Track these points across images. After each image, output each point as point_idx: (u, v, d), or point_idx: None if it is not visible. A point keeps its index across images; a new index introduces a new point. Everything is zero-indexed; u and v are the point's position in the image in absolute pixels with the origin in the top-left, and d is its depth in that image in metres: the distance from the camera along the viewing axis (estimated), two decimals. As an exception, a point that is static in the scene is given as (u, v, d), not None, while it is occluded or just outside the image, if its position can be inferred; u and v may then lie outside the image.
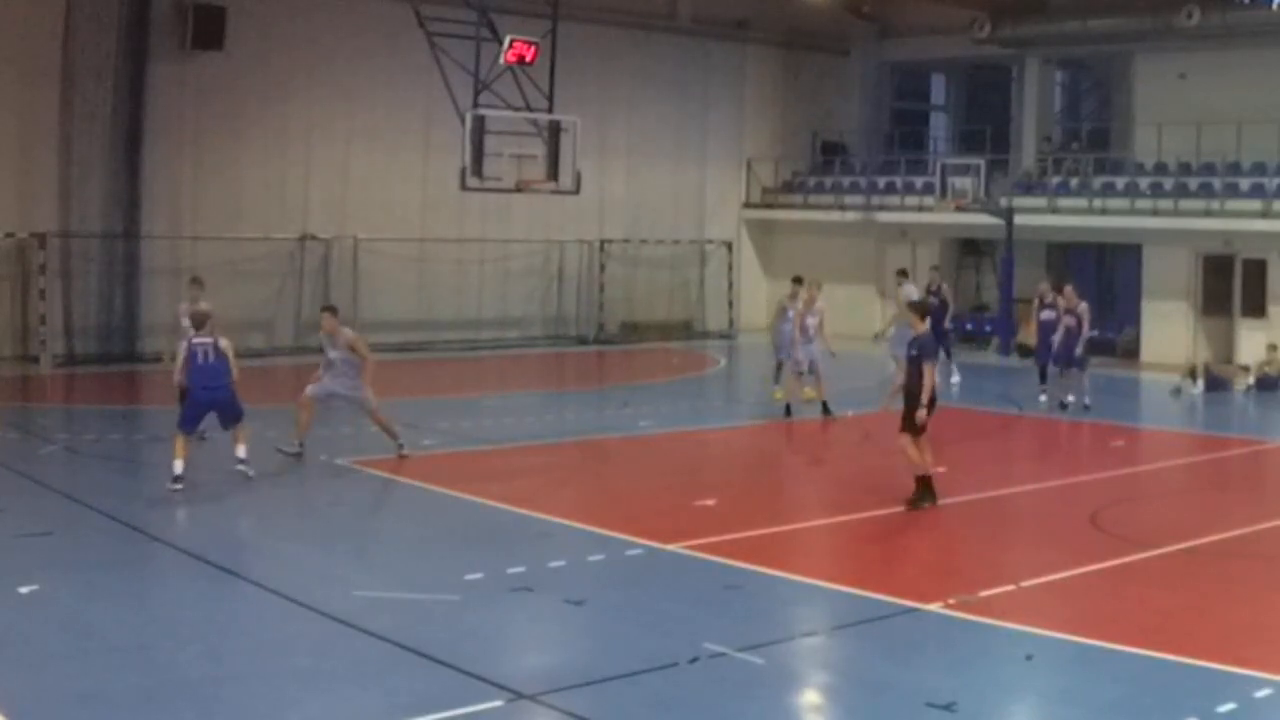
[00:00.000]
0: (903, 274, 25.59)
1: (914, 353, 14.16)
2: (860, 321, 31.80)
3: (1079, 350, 21.29)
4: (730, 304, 34.93)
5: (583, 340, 32.22)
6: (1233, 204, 27.63)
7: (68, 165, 25.47)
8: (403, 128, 29.06)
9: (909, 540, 13.39)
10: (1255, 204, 27.35)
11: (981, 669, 9.33)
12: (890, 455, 14.72)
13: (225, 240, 27.03)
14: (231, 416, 14.70)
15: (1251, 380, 25.03)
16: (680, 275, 34.49)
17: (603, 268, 32.80)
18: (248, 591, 10.92)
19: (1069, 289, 21.80)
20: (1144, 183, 29.40)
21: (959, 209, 30.25)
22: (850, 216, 33.73)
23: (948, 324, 25.06)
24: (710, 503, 14.43)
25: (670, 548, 12.27)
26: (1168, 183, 28.92)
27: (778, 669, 9.21)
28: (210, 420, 15.00)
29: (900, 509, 13.86)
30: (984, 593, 10.80)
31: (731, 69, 35.09)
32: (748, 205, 35.92)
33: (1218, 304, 28.41)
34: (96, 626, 9.89)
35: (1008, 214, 30.44)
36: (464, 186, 21.13)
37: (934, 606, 10.43)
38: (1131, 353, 29.27)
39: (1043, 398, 22.04)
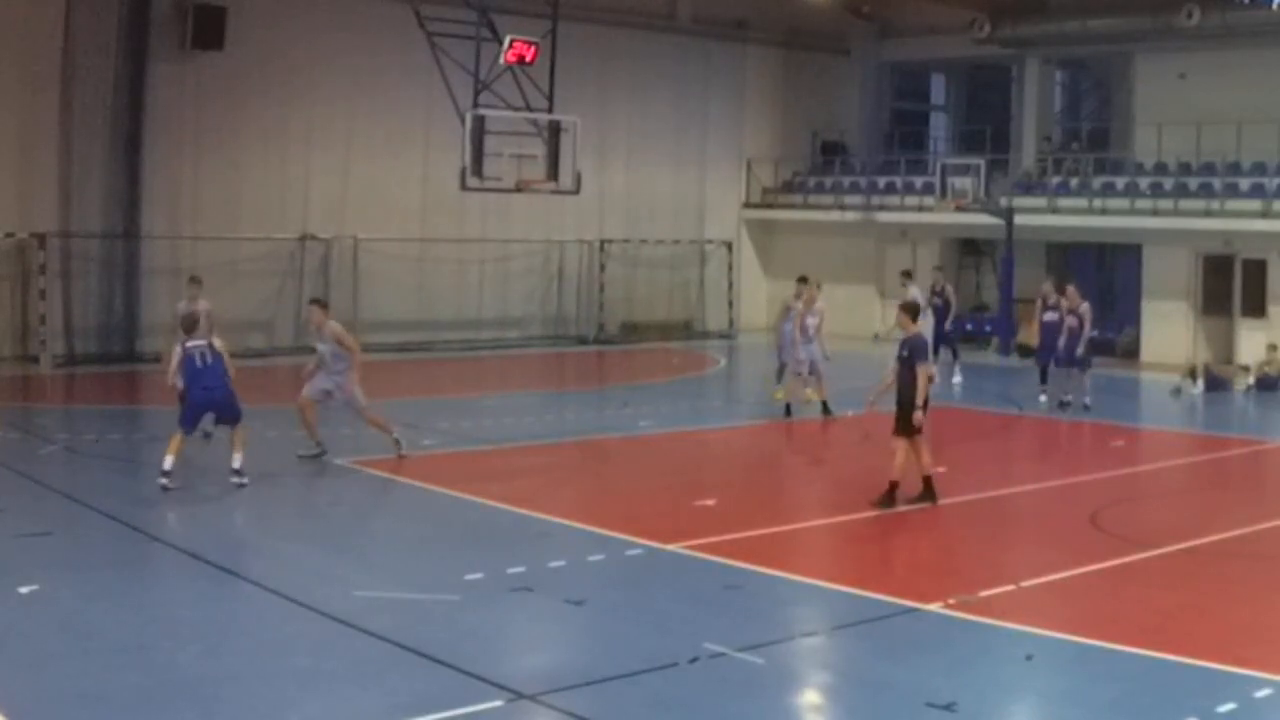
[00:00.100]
0: (907, 275, 25.60)
1: (905, 354, 14.12)
2: (860, 321, 31.87)
3: (1080, 350, 21.31)
4: (730, 304, 34.93)
5: (583, 340, 32.22)
6: (1233, 204, 27.63)
7: (68, 165, 25.47)
8: (403, 128, 29.06)
9: (909, 540, 13.39)
10: (1255, 204, 27.36)
11: (981, 669, 9.33)
12: (890, 455, 14.70)
13: (225, 240, 27.04)
14: (230, 417, 14.69)
15: (1251, 380, 25.04)
16: (680, 275, 34.50)
17: (603, 268, 32.81)
18: (247, 591, 10.92)
19: (1071, 289, 21.79)
20: (1144, 183, 29.41)
21: (959, 209, 30.26)
22: (850, 216, 33.73)
23: (947, 325, 25.02)
24: (710, 503, 14.44)
25: (670, 548, 12.27)
26: (1168, 183, 28.92)
27: (778, 669, 9.21)
28: (212, 418, 15.02)
29: (901, 509, 13.86)
30: (984, 593, 10.80)
31: (731, 69, 35.10)
32: (748, 205, 35.94)
33: (1218, 304, 28.42)
34: (96, 626, 9.89)
35: (1008, 214, 30.45)
36: (464, 186, 21.13)
37: (934, 606, 10.43)
38: (1131, 353, 29.27)
39: (1043, 398, 22.04)
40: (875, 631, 10.05)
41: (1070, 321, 21.40)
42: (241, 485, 14.42)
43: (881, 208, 33.43)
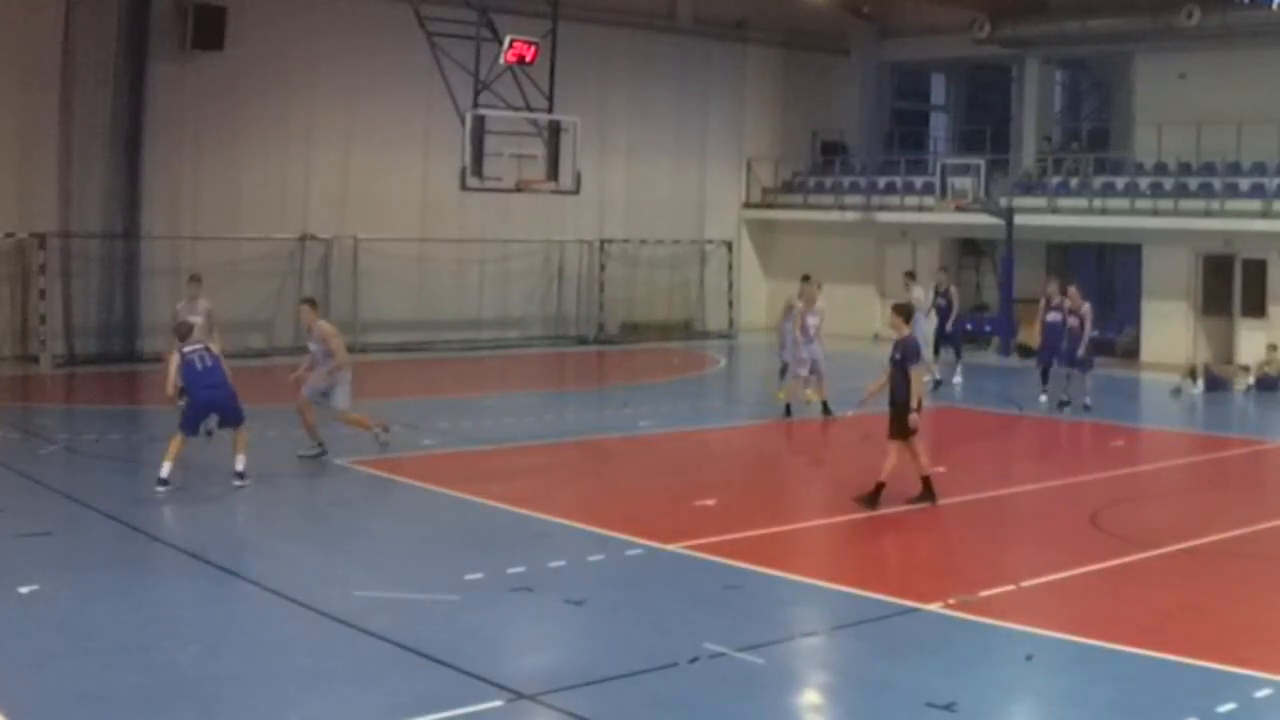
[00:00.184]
0: (910, 276, 25.61)
1: (897, 356, 14.08)
2: (860, 322, 31.85)
3: (1081, 352, 21.30)
4: (730, 304, 34.93)
5: (583, 340, 32.21)
6: (1233, 204, 27.62)
7: (68, 165, 25.45)
8: (403, 128, 29.04)
9: (909, 540, 13.39)
10: (1255, 204, 27.35)
11: (981, 669, 9.33)
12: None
13: (225, 240, 27.03)
14: (233, 419, 14.68)
15: (1251, 380, 25.04)
16: (680, 275, 34.50)
17: (603, 268, 32.80)
18: (247, 591, 10.92)
19: (1073, 290, 21.78)
20: (1144, 183, 29.40)
21: (959, 209, 30.26)
22: (850, 216, 33.73)
23: (948, 326, 25.02)
24: (710, 503, 14.44)
25: (670, 548, 12.27)
26: (1168, 183, 28.92)
27: (778, 669, 9.21)
28: (215, 420, 15.01)
29: (900, 509, 13.87)
30: (984, 593, 10.80)
31: (731, 69, 35.09)
32: (748, 205, 35.93)
33: (1218, 304, 28.41)
34: (96, 626, 9.88)
35: (1008, 214, 30.44)
36: (464, 186, 21.11)
37: (934, 606, 10.43)
38: (1131, 353, 29.26)
39: (1043, 398, 22.03)
40: (875, 631, 10.05)
41: (1071, 322, 21.40)
42: (244, 488, 14.40)
43: (881, 208, 33.43)
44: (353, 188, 29.02)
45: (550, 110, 21.79)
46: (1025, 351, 28.23)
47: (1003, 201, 30.69)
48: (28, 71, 25.02)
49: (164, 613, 10.36)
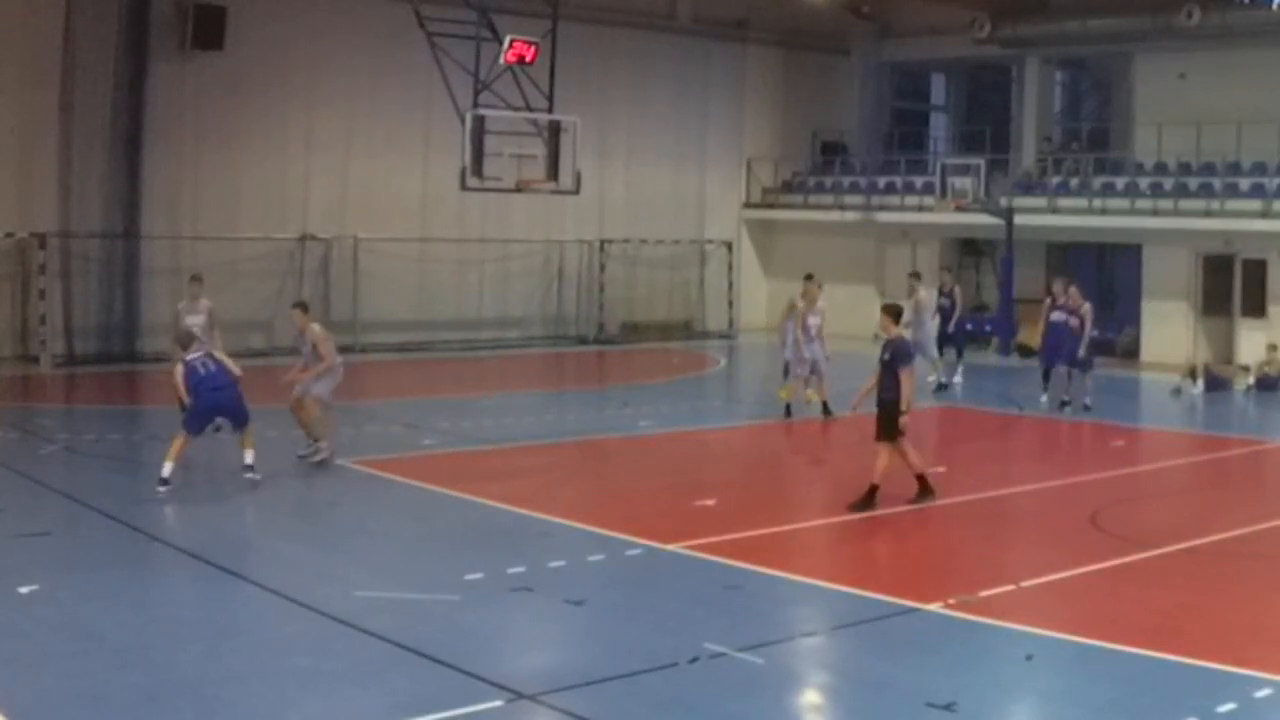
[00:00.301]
0: (915, 276, 25.54)
1: (886, 357, 14.02)
2: (860, 322, 31.79)
3: (1081, 352, 21.30)
4: (730, 304, 34.93)
5: (583, 340, 32.22)
6: (1233, 204, 27.62)
7: (68, 165, 25.45)
8: (403, 128, 29.04)
9: (909, 540, 13.39)
10: (1255, 204, 27.35)
11: (981, 669, 9.33)
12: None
13: (225, 240, 27.03)
14: (240, 421, 14.68)
15: (1251, 380, 25.03)
16: (680, 275, 34.50)
17: (603, 268, 32.80)
18: (247, 591, 10.91)
19: (1074, 290, 21.76)
20: (1144, 183, 29.40)
21: (959, 209, 30.25)
22: (850, 216, 33.73)
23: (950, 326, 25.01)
24: (710, 503, 14.43)
25: (670, 548, 12.27)
26: (1168, 183, 28.92)
27: (778, 669, 9.21)
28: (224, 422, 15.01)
29: (900, 509, 13.86)
30: (984, 593, 10.80)
31: (731, 69, 35.09)
32: (748, 205, 35.93)
33: (1218, 304, 28.41)
34: (96, 626, 9.88)
35: (1008, 214, 30.44)
36: (464, 186, 21.11)
37: (934, 606, 10.43)
38: (1131, 353, 29.26)
39: (1043, 398, 22.02)
40: (875, 631, 10.05)
41: (1072, 322, 21.40)
42: (255, 482, 14.44)
43: (881, 208, 33.42)
44: (353, 188, 29.02)
45: (550, 110, 21.80)
46: (1025, 351, 28.22)
47: (1003, 201, 30.69)
48: (28, 71, 25.02)
49: (164, 613, 10.36)
